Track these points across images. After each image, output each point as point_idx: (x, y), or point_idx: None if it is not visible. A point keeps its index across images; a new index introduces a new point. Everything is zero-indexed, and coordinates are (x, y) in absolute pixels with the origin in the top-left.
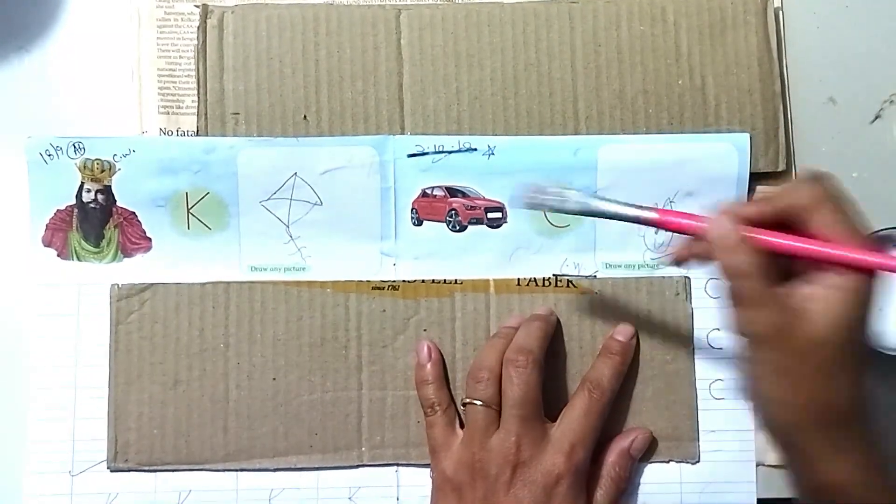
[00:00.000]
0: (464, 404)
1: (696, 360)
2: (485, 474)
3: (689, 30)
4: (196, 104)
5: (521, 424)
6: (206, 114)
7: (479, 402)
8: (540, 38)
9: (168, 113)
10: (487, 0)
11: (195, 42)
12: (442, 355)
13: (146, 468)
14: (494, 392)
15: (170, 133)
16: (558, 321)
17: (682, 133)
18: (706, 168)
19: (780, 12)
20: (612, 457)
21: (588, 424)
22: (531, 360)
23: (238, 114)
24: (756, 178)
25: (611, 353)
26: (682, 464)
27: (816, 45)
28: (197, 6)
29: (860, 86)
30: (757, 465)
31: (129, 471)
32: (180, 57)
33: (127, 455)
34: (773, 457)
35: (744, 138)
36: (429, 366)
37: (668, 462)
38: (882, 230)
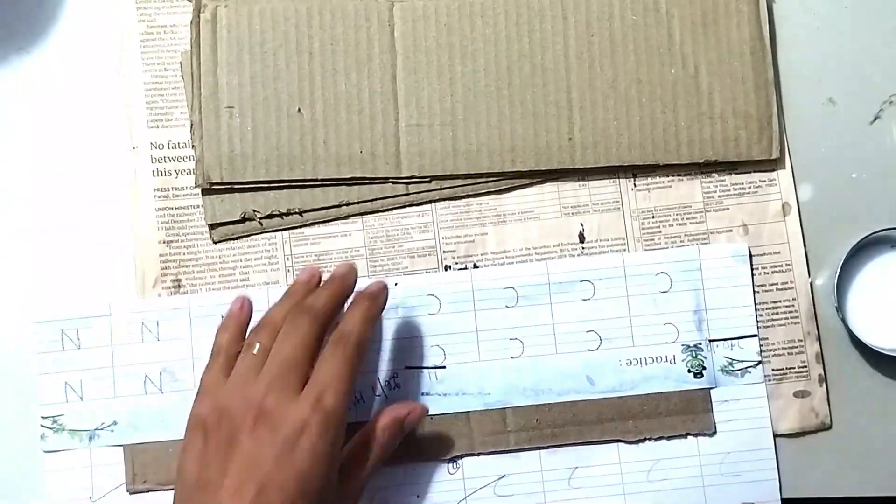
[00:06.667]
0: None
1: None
2: (230, 417)
3: (681, 19)
4: (186, 111)
5: (276, 376)
6: (200, 108)
7: (253, 350)
8: (533, 29)
9: (157, 126)
10: None
11: (181, 50)
12: (251, 315)
13: (165, 487)
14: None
15: (161, 147)
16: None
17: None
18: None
19: (772, 2)
20: (385, 419)
21: (336, 373)
22: (312, 319)
23: (232, 107)
24: (749, 164)
25: (359, 300)
26: (699, 437)
27: (816, 45)
28: (190, 1)
29: (860, 86)
30: (775, 436)
31: (147, 491)
32: (165, 70)
33: (145, 476)
34: (785, 425)
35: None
36: (234, 319)
37: (685, 436)
38: (881, 230)
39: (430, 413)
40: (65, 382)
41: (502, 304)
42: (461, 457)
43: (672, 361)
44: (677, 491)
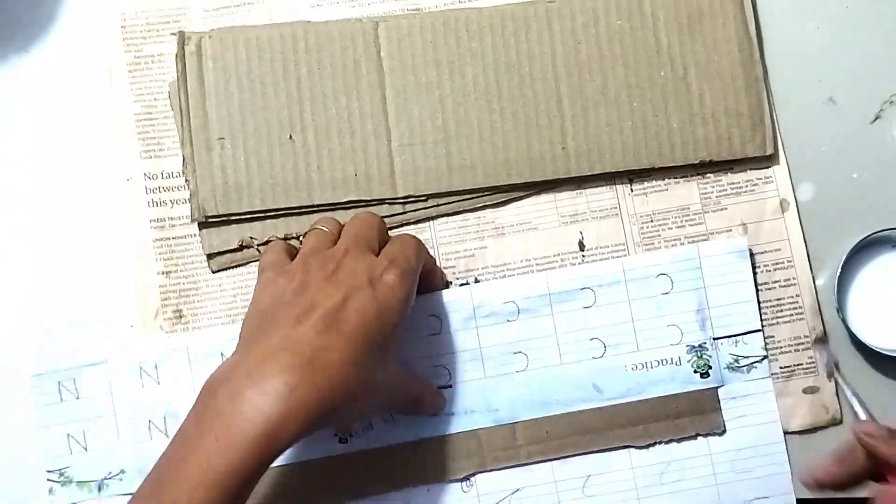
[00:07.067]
0: (305, 233)
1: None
2: (307, 269)
3: (667, 21)
4: (178, 140)
5: (352, 242)
6: (191, 141)
7: (322, 228)
8: (519, 40)
9: (150, 157)
10: (464, 6)
11: (169, 80)
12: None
13: None
14: (339, 230)
15: (154, 177)
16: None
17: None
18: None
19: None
20: None
21: (405, 248)
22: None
23: (223, 138)
24: (744, 163)
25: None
26: (709, 436)
27: (816, 45)
28: (173, 34)
29: (860, 86)
30: (787, 433)
31: None
32: (155, 99)
33: None
34: (796, 422)
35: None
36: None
37: (695, 437)
38: (882, 230)
39: (439, 434)
40: (67, 434)
41: (504, 319)
42: (474, 475)
43: (678, 363)
44: (691, 491)
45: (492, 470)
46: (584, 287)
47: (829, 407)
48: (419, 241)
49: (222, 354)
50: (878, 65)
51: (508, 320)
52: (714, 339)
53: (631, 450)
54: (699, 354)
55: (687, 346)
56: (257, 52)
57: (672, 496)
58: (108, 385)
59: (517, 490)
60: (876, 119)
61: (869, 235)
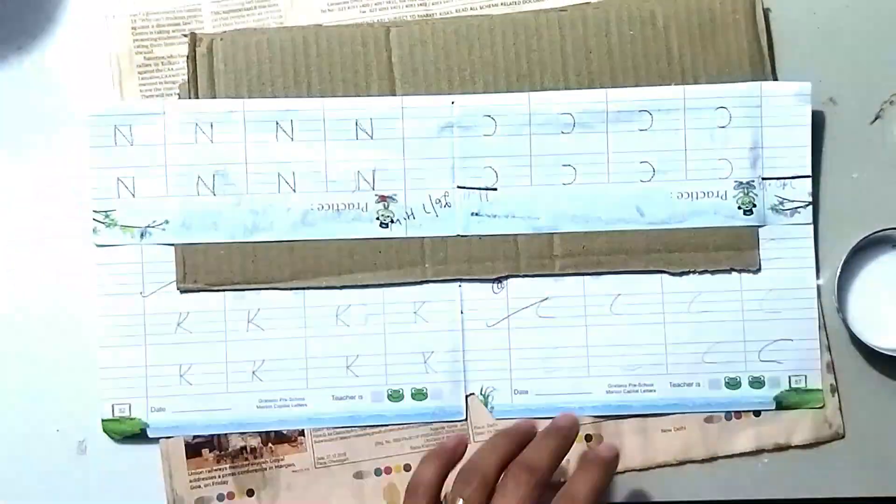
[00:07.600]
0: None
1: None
2: None
3: (678, 32)
4: None
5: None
6: None
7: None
8: (531, 49)
9: None
10: (476, 14)
11: (179, 82)
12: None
13: (215, 288)
14: (481, 500)
15: None
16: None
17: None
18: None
19: (769, 11)
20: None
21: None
22: (535, 481)
23: None
24: None
25: (591, 468)
26: (742, 273)
27: (816, 45)
28: (185, 35)
29: (860, 86)
30: (788, 448)
31: (198, 290)
32: None
33: (196, 276)
34: (799, 437)
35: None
36: (446, 453)
37: (729, 271)
38: (882, 230)
39: (478, 233)
40: (117, 178)
41: (558, 130)
42: (507, 278)
43: (723, 197)
44: (717, 324)
45: (524, 276)
46: (643, 109)
47: (832, 422)
48: (604, 475)
49: (277, 124)
50: (878, 65)
51: (563, 132)
52: (763, 178)
53: (663, 276)
54: (746, 192)
55: (735, 181)
56: (268, 55)
57: (697, 326)
58: (163, 136)
59: (546, 298)
60: (876, 119)
61: (869, 235)
